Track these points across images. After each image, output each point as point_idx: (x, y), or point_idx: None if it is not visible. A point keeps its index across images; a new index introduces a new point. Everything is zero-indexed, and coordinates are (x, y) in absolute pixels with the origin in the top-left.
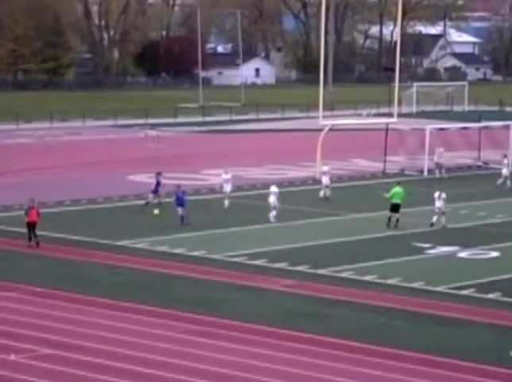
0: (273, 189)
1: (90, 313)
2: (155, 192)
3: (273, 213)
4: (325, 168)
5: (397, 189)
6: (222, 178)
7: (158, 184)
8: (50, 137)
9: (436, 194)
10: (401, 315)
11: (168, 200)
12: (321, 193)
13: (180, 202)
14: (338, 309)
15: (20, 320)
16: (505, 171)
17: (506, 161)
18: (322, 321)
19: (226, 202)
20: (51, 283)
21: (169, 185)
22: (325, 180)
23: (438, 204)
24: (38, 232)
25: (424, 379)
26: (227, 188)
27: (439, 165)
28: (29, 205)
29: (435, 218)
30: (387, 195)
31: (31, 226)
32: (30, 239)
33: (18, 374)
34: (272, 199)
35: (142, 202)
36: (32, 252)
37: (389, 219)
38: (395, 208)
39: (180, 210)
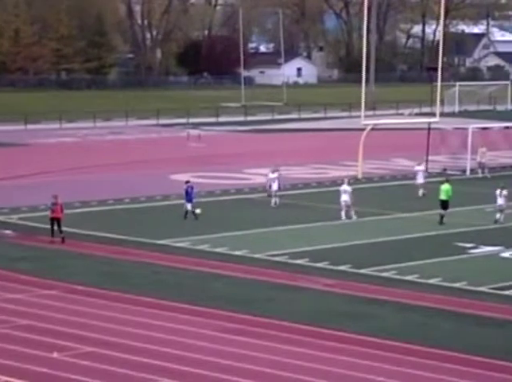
0: (346, 187)
1: (131, 312)
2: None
3: (351, 212)
4: (418, 167)
5: (445, 186)
6: (268, 177)
7: (278, 179)
8: (93, 136)
9: (498, 191)
10: (442, 315)
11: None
12: (420, 192)
13: (189, 198)
14: (379, 309)
15: (62, 318)
16: None
17: None
18: (363, 320)
19: (274, 200)
20: (93, 282)
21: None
22: (418, 179)
23: (500, 201)
24: (78, 230)
25: (466, 379)
26: (274, 186)
27: (481, 165)
28: (52, 202)
29: (498, 215)
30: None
31: (55, 222)
32: (53, 234)
33: (61, 372)
34: (345, 197)
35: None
36: (75, 251)
37: (441, 216)
38: (442, 205)
39: (188, 205)
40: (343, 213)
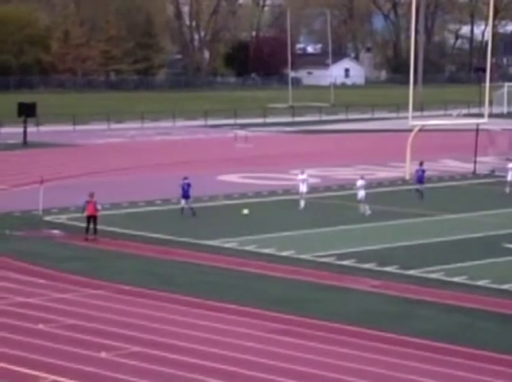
0: (360, 182)
1: (177, 312)
2: (420, 181)
3: (365, 207)
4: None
5: None
6: (298, 178)
7: (423, 173)
8: (141, 137)
9: None
10: (489, 316)
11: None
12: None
13: (185, 194)
14: (424, 310)
15: (110, 318)
16: None
17: None
18: (407, 321)
19: (302, 203)
20: (140, 282)
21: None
22: (509, 176)
23: None
24: (126, 230)
25: (510, 380)
26: (303, 188)
27: None
28: (86, 200)
29: None
30: None
31: (91, 219)
32: (88, 231)
33: (109, 371)
34: (361, 193)
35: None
36: (123, 251)
37: None
38: None
39: (183, 201)
40: (365, 207)
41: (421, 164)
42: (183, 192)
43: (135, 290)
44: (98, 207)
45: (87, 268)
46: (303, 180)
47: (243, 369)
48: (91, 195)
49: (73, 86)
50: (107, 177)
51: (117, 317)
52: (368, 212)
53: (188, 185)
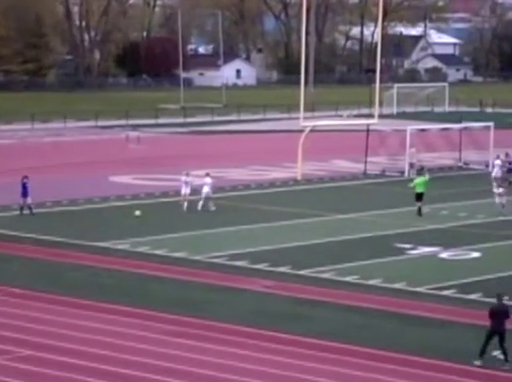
0: (207, 180)
1: (68, 314)
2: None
3: (209, 203)
4: (497, 161)
5: (420, 179)
6: (181, 180)
7: (189, 182)
8: (31, 138)
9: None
10: (382, 316)
11: None
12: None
13: (24, 191)
14: (318, 310)
15: None
16: None
17: None
18: (302, 321)
19: (185, 205)
20: (31, 284)
21: None
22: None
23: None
24: (16, 233)
25: (405, 379)
26: (186, 190)
27: (411, 166)
28: None
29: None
30: (411, 185)
31: None
32: None
33: None
34: (206, 189)
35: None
36: (11, 253)
37: (419, 209)
38: (418, 197)
39: (23, 200)
40: (200, 204)
41: (507, 155)
42: (22, 190)
43: (25, 293)
44: None
45: None
46: (186, 182)
47: (137, 371)
48: None
49: None
50: None
51: (7, 321)
52: (213, 208)
53: (25, 183)
